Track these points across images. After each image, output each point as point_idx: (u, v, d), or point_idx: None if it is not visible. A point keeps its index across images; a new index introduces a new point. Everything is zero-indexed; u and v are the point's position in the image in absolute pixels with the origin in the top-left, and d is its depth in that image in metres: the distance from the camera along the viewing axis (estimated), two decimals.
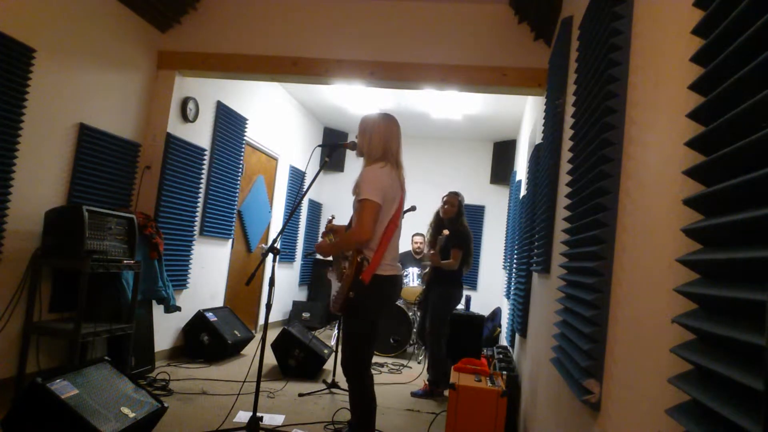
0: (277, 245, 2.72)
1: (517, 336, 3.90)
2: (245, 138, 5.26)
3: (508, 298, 4.82)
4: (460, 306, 4.53)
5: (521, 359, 3.47)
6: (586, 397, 1.23)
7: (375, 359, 5.14)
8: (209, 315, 4.55)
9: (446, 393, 4.08)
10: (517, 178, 5.43)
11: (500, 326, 5.86)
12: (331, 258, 2.67)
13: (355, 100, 6.27)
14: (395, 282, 2.47)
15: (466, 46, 3.79)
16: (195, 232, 4.52)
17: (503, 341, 5.33)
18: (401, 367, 4.98)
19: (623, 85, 1.26)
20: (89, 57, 3.44)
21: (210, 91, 4.61)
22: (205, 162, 4.56)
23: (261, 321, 6.15)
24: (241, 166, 5.19)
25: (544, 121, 2.92)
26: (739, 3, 0.63)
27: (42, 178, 3.14)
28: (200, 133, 4.52)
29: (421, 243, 6.41)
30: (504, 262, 6.33)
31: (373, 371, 4.72)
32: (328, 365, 4.38)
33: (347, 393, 3.85)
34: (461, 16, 3.82)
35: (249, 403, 3.17)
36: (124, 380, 2.60)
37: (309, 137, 7.28)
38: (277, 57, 3.98)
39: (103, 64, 3.58)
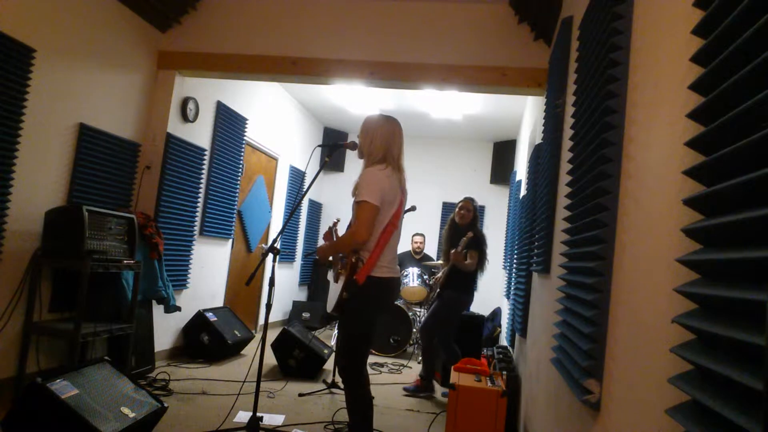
0: (277, 245, 2.72)
1: (517, 336, 3.90)
2: (245, 138, 5.26)
3: (508, 298, 4.82)
4: None
5: (521, 359, 3.47)
6: (586, 397, 1.23)
7: (375, 359, 5.16)
8: (209, 315, 4.55)
9: (445, 392, 4.09)
10: (517, 178, 5.43)
11: (500, 326, 5.86)
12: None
13: (355, 100, 6.27)
14: (391, 285, 2.46)
15: (466, 46, 3.79)
16: (195, 232, 4.52)
17: (503, 341, 5.33)
18: (401, 367, 4.98)
19: (623, 85, 1.26)
20: (89, 57, 3.44)
21: (210, 91, 4.61)
22: (205, 162, 4.56)
23: (261, 321, 6.15)
24: (241, 166, 5.19)
25: (544, 121, 2.92)
26: (739, 3, 0.63)
27: (42, 178, 3.14)
28: (200, 133, 4.52)
29: (421, 243, 6.42)
30: (504, 262, 6.33)
31: (372, 371, 4.75)
32: (328, 365, 4.38)
33: None
34: (461, 16, 3.82)
35: (249, 403, 3.16)
36: (124, 380, 2.60)
37: (309, 137, 7.28)
38: (277, 57, 3.98)
39: (103, 64, 3.58)
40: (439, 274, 4.35)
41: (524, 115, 5.61)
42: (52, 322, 3.17)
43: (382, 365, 4.98)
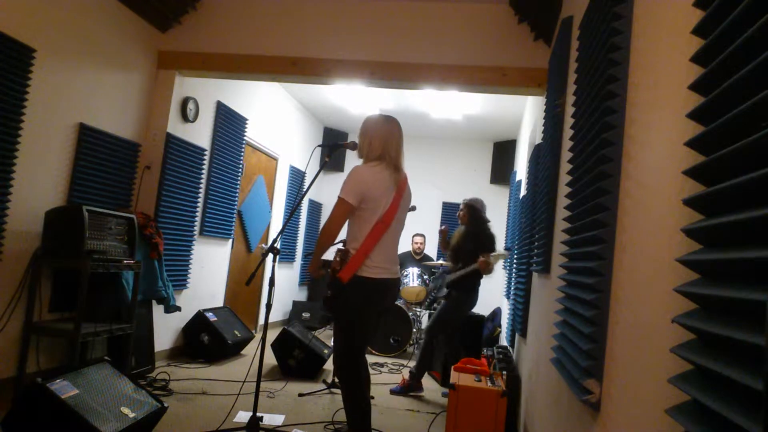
0: (277, 245, 2.72)
1: (517, 336, 3.90)
2: (245, 138, 5.26)
3: (508, 298, 4.82)
4: None
5: (521, 359, 3.47)
6: (586, 397, 1.23)
7: (375, 359, 5.16)
8: (209, 315, 4.55)
9: (444, 392, 4.09)
10: (517, 178, 5.43)
11: (500, 326, 5.85)
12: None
13: (355, 100, 6.27)
14: (382, 286, 2.38)
15: (466, 46, 3.79)
16: (195, 232, 4.52)
17: (503, 341, 5.32)
18: (401, 367, 4.98)
19: (623, 85, 1.26)
20: (89, 57, 3.44)
21: (210, 91, 4.61)
22: (205, 162, 4.56)
23: (261, 321, 6.15)
24: (241, 166, 5.19)
25: (544, 121, 2.92)
26: (739, 3, 0.63)
27: (42, 178, 3.14)
28: (200, 133, 4.52)
29: (421, 243, 6.41)
30: (504, 262, 6.33)
31: (373, 371, 4.74)
32: (328, 365, 4.38)
33: None
34: (461, 16, 3.82)
35: (249, 403, 3.17)
36: (124, 380, 2.60)
37: (309, 137, 7.28)
38: (277, 57, 3.98)
39: (103, 64, 3.58)
40: (453, 277, 4.23)
41: (524, 115, 5.61)
42: (52, 322, 3.17)
43: (382, 365, 4.98)
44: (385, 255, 2.41)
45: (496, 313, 6.12)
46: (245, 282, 2.68)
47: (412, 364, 5.18)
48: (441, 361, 4.45)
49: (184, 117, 4.25)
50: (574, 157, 1.68)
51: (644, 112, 1.10)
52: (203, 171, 4.54)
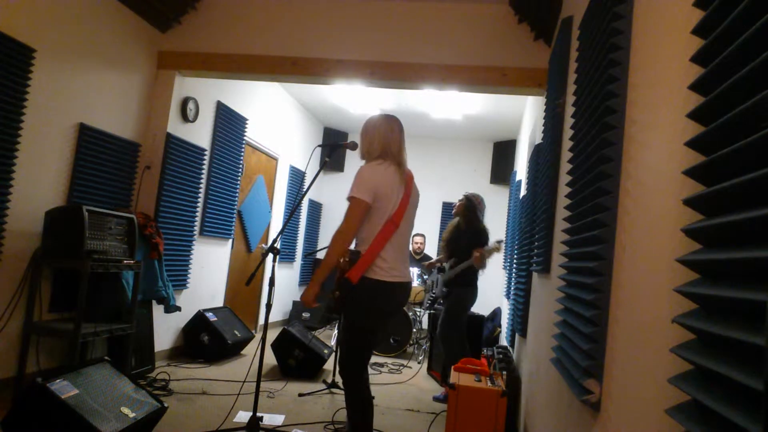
0: (277, 245, 2.71)
1: (517, 336, 3.90)
2: (245, 138, 5.26)
3: (508, 298, 4.82)
4: None
5: (521, 359, 3.47)
6: (586, 397, 1.23)
7: (375, 359, 5.16)
8: (209, 315, 4.55)
9: (437, 395, 4.08)
10: (517, 178, 5.43)
11: (500, 326, 5.85)
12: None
13: (355, 100, 6.27)
14: (393, 289, 2.31)
15: (466, 46, 3.79)
16: (195, 232, 4.52)
17: (503, 341, 5.32)
18: (401, 367, 4.98)
19: (623, 85, 1.26)
20: (89, 57, 3.44)
21: (210, 91, 4.61)
22: (205, 162, 4.56)
23: (261, 321, 6.15)
24: (241, 166, 5.19)
25: (544, 121, 2.92)
26: (739, 3, 0.63)
27: (42, 178, 3.14)
28: (200, 133, 4.52)
29: (421, 243, 6.42)
30: (504, 262, 6.33)
31: (372, 371, 4.74)
32: (328, 365, 4.38)
33: None
34: (461, 16, 3.82)
35: (249, 403, 3.17)
36: (124, 380, 2.60)
37: (309, 137, 7.28)
38: (277, 57, 3.98)
39: (103, 64, 3.58)
40: (449, 275, 4.25)
41: (524, 115, 5.61)
42: (52, 322, 3.17)
43: (382, 365, 4.98)
44: (396, 256, 2.33)
45: (496, 313, 6.12)
46: (245, 282, 2.68)
47: (412, 364, 5.19)
48: (442, 360, 4.45)
49: (184, 117, 4.25)
50: (574, 157, 1.68)
51: (644, 112, 1.10)
52: (203, 171, 4.54)
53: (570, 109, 1.96)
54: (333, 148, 2.95)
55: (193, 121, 4.37)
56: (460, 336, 4.14)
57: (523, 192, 4.44)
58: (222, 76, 4.26)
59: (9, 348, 3.00)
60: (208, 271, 4.90)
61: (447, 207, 7.50)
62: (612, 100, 1.29)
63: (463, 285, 4.14)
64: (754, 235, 0.59)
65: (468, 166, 7.55)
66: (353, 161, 7.92)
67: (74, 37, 3.30)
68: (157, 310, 4.03)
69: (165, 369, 3.98)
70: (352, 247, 2.37)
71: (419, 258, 6.33)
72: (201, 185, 4.54)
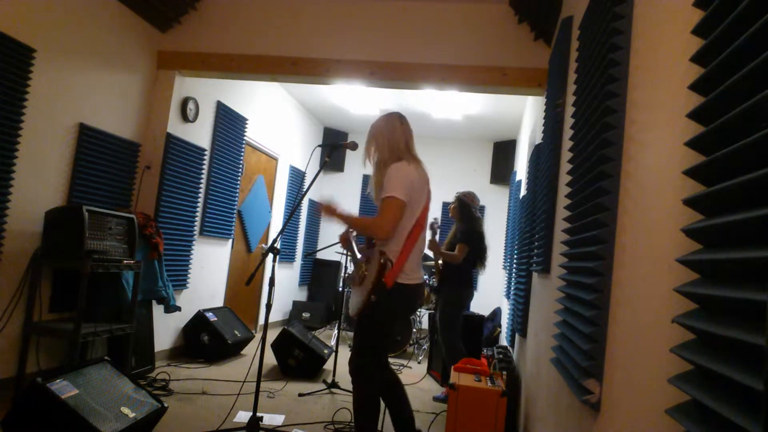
0: (277, 245, 2.71)
1: (517, 336, 3.90)
2: (245, 138, 5.26)
3: (508, 298, 4.82)
4: None
5: (521, 359, 3.47)
6: (586, 397, 1.23)
7: None
8: (209, 315, 4.55)
9: (437, 395, 4.08)
10: (517, 178, 5.44)
11: (500, 326, 5.86)
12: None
13: (355, 100, 6.27)
14: (416, 292, 2.31)
15: (466, 46, 3.79)
16: (195, 232, 4.52)
17: (503, 341, 5.33)
18: (401, 367, 4.98)
19: (623, 85, 1.26)
20: (89, 57, 3.44)
21: (210, 91, 4.61)
22: (205, 162, 4.56)
23: (261, 321, 6.15)
24: (241, 166, 5.19)
25: (544, 121, 2.92)
26: (739, 3, 0.63)
27: (42, 178, 3.14)
28: (200, 133, 4.52)
29: None
30: (504, 262, 6.33)
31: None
32: (328, 365, 4.38)
33: (347, 393, 3.87)
34: (461, 16, 3.82)
35: (249, 403, 3.16)
36: (124, 380, 2.60)
37: (309, 137, 7.28)
38: (277, 57, 3.98)
39: (103, 64, 3.58)
40: (435, 266, 4.33)
41: (524, 115, 5.61)
42: (52, 322, 3.17)
43: None
44: (417, 259, 2.31)
45: (496, 313, 6.12)
46: (245, 282, 2.68)
47: (413, 364, 5.19)
48: (442, 360, 4.45)
49: (184, 117, 4.25)
50: (574, 157, 1.68)
51: (644, 112, 1.10)
52: (203, 171, 4.54)
53: (570, 109, 1.96)
54: (333, 148, 2.95)
55: (193, 121, 4.37)
56: (455, 336, 4.14)
57: (523, 192, 4.44)
58: (222, 76, 4.26)
59: (9, 348, 3.00)
60: (208, 271, 4.90)
61: (447, 207, 7.50)
62: (612, 100, 1.29)
63: (450, 284, 4.14)
64: (754, 235, 0.59)
65: (468, 166, 7.55)
66: (353, 161, 7.92)
67: (74, 37, 3.30)
68: (157, 310, 4.03)
69: (165, 369, 3.98)
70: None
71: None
72: (201, 185, 4.54)
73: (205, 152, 4.56)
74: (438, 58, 3.81)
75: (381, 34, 3.92)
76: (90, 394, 2.32)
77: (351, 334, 6.21)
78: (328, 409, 3.48)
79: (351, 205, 7.93)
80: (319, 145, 3.17)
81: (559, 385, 1.75)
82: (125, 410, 2.39)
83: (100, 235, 3.12)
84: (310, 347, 4.30)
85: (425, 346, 5.51)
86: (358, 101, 6.31)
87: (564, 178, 2.11)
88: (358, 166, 7.93)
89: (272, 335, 4.51)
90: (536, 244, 2.83)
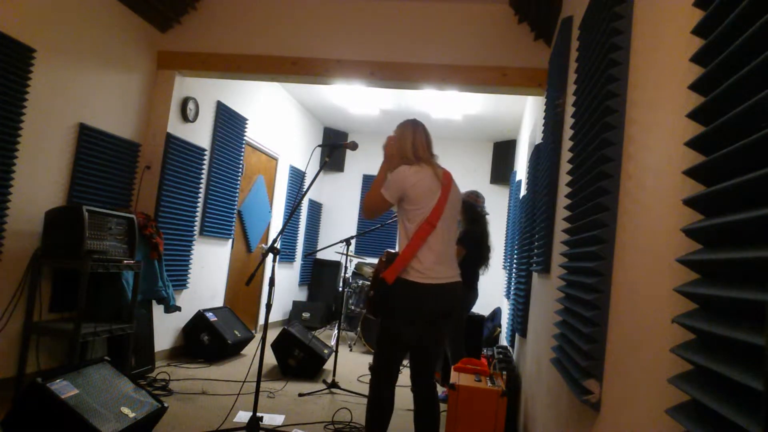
0: (277, 245, 2.71)
1: (517, 336, 3.90)
2: (245, 138, 5.26)
3: (508, 298, 4.82)
4: None
5: (521, 359, 3.47)
6: (586, 397, 1.23)
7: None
8: (209, 315, 4.55)
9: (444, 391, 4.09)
10: (517, 178, 5.43)
11: (500, 326, 5.86)
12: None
13: (355, 100, 6.27)
14: (430, 291, 2.27)
15: (466, 46, 3.79)
16: (195, 232, 4.52)
17: (503, 341, 5.33)
18: (402, 367, 4.98)
19: (623, 85, 1.26)
20: (89, 57, 3.44)
21: (210, 91, 4.61)
22: (205, 162, 4.56)
23: (261, 321, 6.15)
24: (241, 166, 5.19)
25: (544, 121, 2.92)
26: (739, 3, 0.63)
27: (42, 178, 3.14)
28: (200, 133, 4.52)
29: None
30: (504, 262, 6.33)
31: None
32: (328, 365, 4.38)
33: (347, 393, 3.87)
34: (461, 16, 3.82)
35: (249, 403, 3.17)
36: (124, 380, 2.60)
37: (309, 137, 7.28)
38: (277, 57, 3.98)
39: (103, 64, 3.58)
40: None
41: (524, 115, 5.61)
42: (52, 322, 3.17)
43: None
44: (434, 258, 2.29)
45: (496, 313, 6.12)
46: (245, 282, 2.68)
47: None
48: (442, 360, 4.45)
49: (184, 117, 4.25)
50: (574, 157, 1.68)
51: (644, 112, 1.10)
52: (203, 171, 4.54)
53: (570, 109, 1.96)
54: (333, 148, 2.95)
55: (193, 121, 4.37)
56: (459, 338, 4.14)
57: (523, 192, 4.44)
58: (222, 76, 4.26)
59: (9, 348, 3.00)
60: (208, 271, 4.90)
61: None
62: (612, 100, 1.29)
63: None
64: (754, 235, 0.59)
65: (468, 166, 7.55)
66: (353, 161, 7.92)
67: (74, 37, 3.30)
68: (157, 310, 4.03)
69: (165, 369, 3.98)
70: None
71: None
72: (201, 185, 4.54)
73: (205, 152, 4.56)
74: (438, 58, 3.81)
75: (381, 34, 3.92)
76: (90, 394, 2.32)
77: (351, 334, 6.22)
78: (328, 409, 3.48)
79: (351, 205, 7.93)
80: (319, 145, 3.17)
81: (559, 385, 1.75)
82: (125, 410, 2.39)
83: (100, 235, 3.12)
84: (310, 347, 4.30)
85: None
86: (358, 101, 6.31)
87: (564, 178, 2.11)
88: (358, 166, 7.93)
89: (272, 335, 4.51)
90: (536, 244, 2.83)
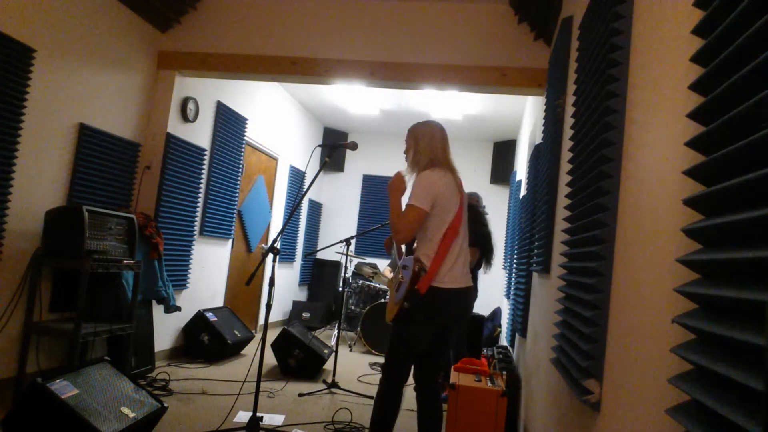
0: (277, 245, 2.71)
1: (517, 336, 3.90)
2: (245, 138, 5.26)
3: (508, 298, 4.82)
4: None
5: (521, 359, 3.47)
6: (586, 397, 1.23)
7: (376, 359, 5.15)
8: (209, 315, 4.55)
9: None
10: (517, 178, 5.43)
11: (500, 326, 5.86)
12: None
13: (355, 100, 6.27)
14: (451, 296, 2.26)
15: (466, 46, 3.79)
16: (195, 232, 4.52)
17: (503, 341, 5.33)
18: None
19: (623, 85, 1.26)
20: (89, 57, 3.44)
21: (210, 91, 4.61)
22: (205, 162, 4.56)
23: (261, 321, 6.15)
24: (241, 166, 5.19)
25: (544, 121, 2.92)
26: (739, 3, 0.63)
27: (42, 178, 3.14)
28: (200, 133, 4.52)
29: None
30: (504, 262, 6.33)
31: (373, 371, 4.73)
32: (328, 365, 4.38)
33: (347, 393, 3.87)
34: (461, 16, 3.82)
35: (249, 403, 3.17)
36: (124, 380, 2.60)
37: (309, 137, 7.28)
38: (277, 57, 3.98)
39: (103, 64, 3.58)
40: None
41: (524, 115, 5.61)
42: (52, 322, 3.17)
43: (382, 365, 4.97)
44: (455, 262, 2.29)
45: (496, 313, 6.12)
46: (245, 282, 2.68)
47: None
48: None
49: (184, 117, 4.25)
50: (574, 157, 1.68)
51: (644, 112, 1.10)
52: (203, 171, 4.54)
53: (570, 109, 1.96)
54: (333, 148, 2.95)
55: (193, 121, 4.37)
56: (461, 338, 4.14)
57: (523, 192, 4.44)
58: (222, 76, 4.26)
59: (9, 348, 3.00)
60: (208, 271, 4.90)
61: None
62: (612, 100, 1.29)
63: None
64: (754, 235, 0.59)
65: (468, 166, 7.55)
66: (353, 161, 7.92)
67: (74, 37, 3.30)
68: (157, 310, 4.03)
69: (165, 369, 3.98)
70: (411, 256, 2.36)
71: None
72: (201, 185, 4.54)
73: (205, 152, 4.56)
74: (438, 58, 3.81)
75: (381, 34, 3.92)
76: (90, 394, 2.32)
77: (351, 334, 6.22)
78: (328, 409, 3.48)
79: (350, 205, 7.93)
80: (319, 145, 3.17)
81: (559, 385, 1.75)
82: (125, 410, 2.39)
83: (100, 235, 3.12)
84: (310, 347, 4.30)
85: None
86: (358, 101, 6.31)
87: (564, 178, 2.11)
88: (358, 166, 7.93)
89: (272, 335, 4.51)
90: (536, 244, 2.83)
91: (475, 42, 3.78)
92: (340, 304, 5.43)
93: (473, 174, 7.49)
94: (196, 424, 2.96)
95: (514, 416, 3.24)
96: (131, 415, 2.39)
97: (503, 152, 7.27)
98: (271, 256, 2.78)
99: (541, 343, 2.39)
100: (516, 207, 5.05)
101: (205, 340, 4.46)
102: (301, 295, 7.48)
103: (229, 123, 4.90)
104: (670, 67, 0.95)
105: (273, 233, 6.18)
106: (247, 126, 5.24)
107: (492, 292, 6.91)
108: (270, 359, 4.47)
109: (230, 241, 5.20)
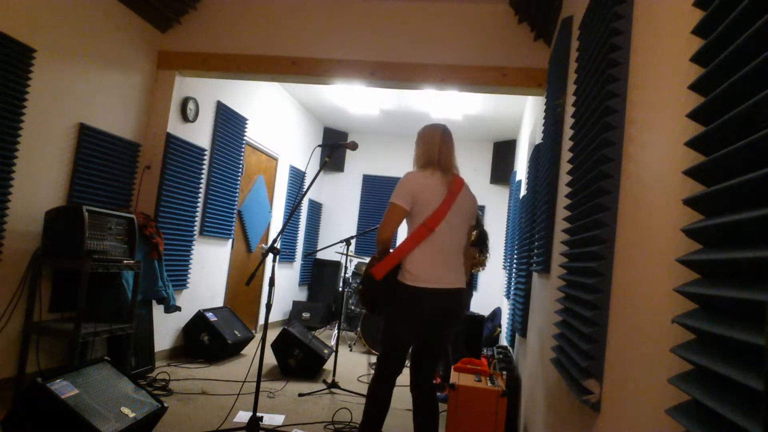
0: (277, 245, 2.71)
1: (517, 336, 3.90)
2: (245, 138, 5.26)
3: (508, 298, 4.82)
4: None
5: (521, 359, 3.47)
6: (586, 397, 1.23)
7: (374, 359, 5.15)
8: (209, 315, 4.55)
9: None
10: (517, 178, 5.43)
11: (500, 326, 5.86)
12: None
13: (355, 100, 6.27)
14: (418, 295, 2.25)
15: (466, 46, 3.79)
16: (195, 232, 4.52)
17: (503, 341, 5.33)
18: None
19: (623, 85, 1.26)
20: (89, 57, 3.44)
21: (210, 91, 4.61)
22: (205, 162, 4.56)
23: (261, 321, 6.15)
24: (241, 166, 5.19)
25: (544, 121, 2.92)
26: (739, 3, 0.63)
27: (42, 178, 3.14)
28: (200, 133, 4.52)
29: None
30: (504, 262, 6.33)
31: (373, 370, 4.72)
32: (328, 365, 4.38)
33: (347, 393, 3.88)
34: (461, 16, 3.82)
35: (249, 403, 3.17)
36: (124, 380, 2.60)
37: (309, 137, 7.28)
38: (277, 57, 3.98)
39: (103, 64, 3.58)
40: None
41: (524, 115, 5.61)
42: (52, 322, 3.17)
43: None
44: (430, 261, 2.28)
45: (496, 313, 6.12)
46: (245, 282, 2.68)
47: None
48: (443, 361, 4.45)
49: (184, 117, 4.25)
50: (574, 157, 1.68)
51: (644, 112, 1.10)
52: (203, 171, 4.54)
53: (570, 109, 1.96)
54: (333, 148, 2.95)
55: (193, 121, 4.37)
56: (459, 337, 4.14)
57: (523, 192, 4.44)
58: (222, 76, 4.26)
59: (9, 348, 3.00)
60: (208, 271, 4.90)
61: None
62: (612, 100, 1.29)
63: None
64: (754, 235, 0.59)
65: (468, 166, 7.55)
66: (353, 161, 7.92)
67: (74, 37, 3.30)
68: (157, 310, 4.03)
69: (165, 369, 3.98)
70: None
71: None
72: (201, 185, 4.54)
73: (205, 152, 4.56)
74: (438, 58, 3.81)
75: (381, 34, 3.92)
76: (90, 394, 2.32)
77: (351, 334, 6.22)
78: (328, 409, 3.48)
79: (350, 205, 7.93)
80: (319, 145, 3.17)
81: (559, 385, 1.75)
82: (125, 410, 2.39)
83: (100, 235, 3.12)
84: (310, 347, 4.30)
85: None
86: (358, 101, 6.31)
87: (564, 178, 2.11)
88: (358, 166, 7.93)
89: (272, 335, 4.51)
90: (536, 244, 2.83)
91: (475, 42, 3.78)
92: (340, 304, 5.44)
93: (473, 174, 7.49)
94: (196, 424, 2.96)
95: (514, 416, 3.24)
96: (131, 415, 2.39)
97: (503, 152, 7.27)
98: (271, 256, 2.78)
99: (541, 343, 2.39)
100: (516, 207, 5.05)
101: (205, 340, 4.46)
102: (301, 295, 7.48)
103: (229, 123, 4.90)
104: (670, 67, 0.95)
105: (273, 233, 6.18)
106: (247, 126, 5.24)
107: (492, 292, 6.92)
108: (270, 359, 4.47)
109: (230, 241, 5.20)
